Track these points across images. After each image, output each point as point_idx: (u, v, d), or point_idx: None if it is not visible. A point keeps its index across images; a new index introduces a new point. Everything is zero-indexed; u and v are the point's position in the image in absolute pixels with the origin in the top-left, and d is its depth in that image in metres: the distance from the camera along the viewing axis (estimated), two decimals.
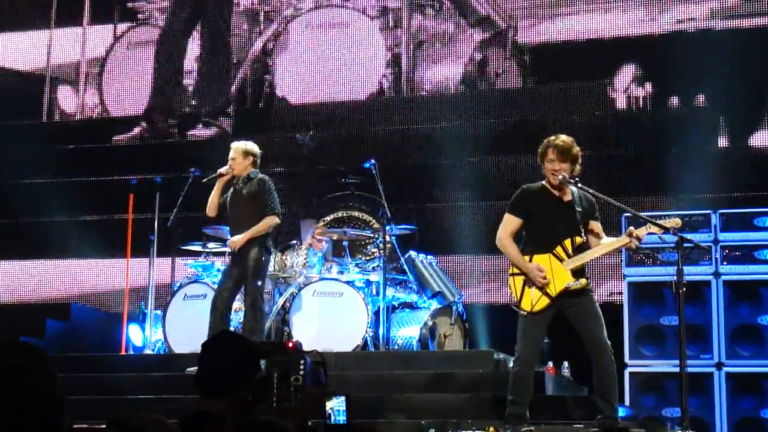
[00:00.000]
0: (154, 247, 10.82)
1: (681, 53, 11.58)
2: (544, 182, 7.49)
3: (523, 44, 12.40)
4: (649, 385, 9.82)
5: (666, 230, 7.34)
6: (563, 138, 7.41)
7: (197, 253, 10.86)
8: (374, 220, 11.52)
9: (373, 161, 10.34)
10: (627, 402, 9.69)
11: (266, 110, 13.27)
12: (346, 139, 12.78)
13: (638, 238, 7.36)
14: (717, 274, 9.77)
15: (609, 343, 7.54)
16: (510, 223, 7.44)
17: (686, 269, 8.03)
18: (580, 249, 7.39)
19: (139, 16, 13.84)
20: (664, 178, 11.49)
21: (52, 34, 14.08)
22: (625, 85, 11.96)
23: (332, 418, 3.69)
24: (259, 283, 9.30)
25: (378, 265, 10.26)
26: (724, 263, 9.78)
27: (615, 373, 7.67)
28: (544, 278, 7.28)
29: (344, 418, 3.75)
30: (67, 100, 13.97)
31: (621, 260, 10.18)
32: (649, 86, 11.90)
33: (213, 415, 3.73)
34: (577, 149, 7.39)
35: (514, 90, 12.46)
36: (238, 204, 9.35)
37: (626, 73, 11.99)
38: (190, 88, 13.53)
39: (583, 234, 7.37)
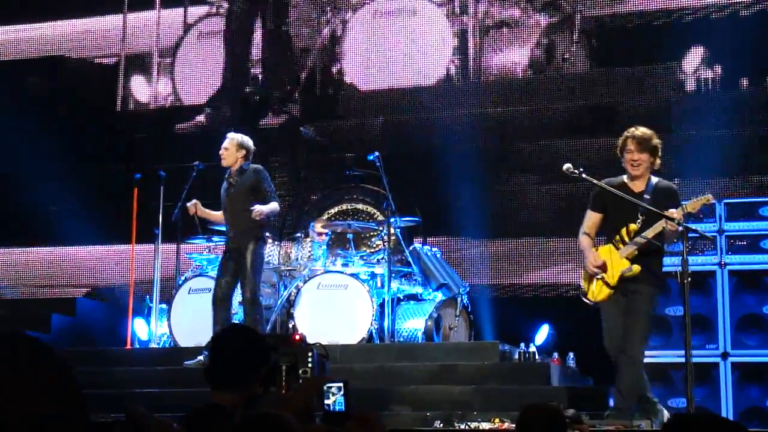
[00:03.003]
0: (159, 241, 10.82)
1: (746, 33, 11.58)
2: (624, 176, 7.62)
3: (590, 28, 12.42)
4: (655, 376, 9.81)
5: (703, 205, 7.34)
6: (642, 129, 7.53)
7: (202, 247, 10.88)
8: (378, 213, 11.53)
9: (377, 153, 10.33)
10: None
11: (334, 97, 13.32)
12: (413, 124, 12.85)
13: (676, 220, 7.30)
14: (722, 264, 9.75)
15: (635, 345, 7.55)
16: (588, 217, 7.70)
17: (691, 259, 8.04)
18: (637, 235, 7.46)
19: (207, 5, 13.96)
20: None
21: (125, 20, 14.20)
22: (694, 67, 11.95)
23: (331, 406, 3.69)
24: (257, 276, 9.31)
25: (383, 258, 10.26)
26: (729, 253, 9.76)
27: (631, 373, 7.65)
28: (595, 268, 7.41)
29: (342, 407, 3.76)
30: (140, 88, 14.10)
31: None
32: (718, 68, 11.87)
33: (223, 408, 3.74)
34: (656, 141, 7.52)
35: (581, 74, 12.48)
36: (236, 196, 9.36)
37: (695, 55, 11.97)
38: (259, 76, 13.60)
39: (641, 221, 7.39)
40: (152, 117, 14.04)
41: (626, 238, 7.46)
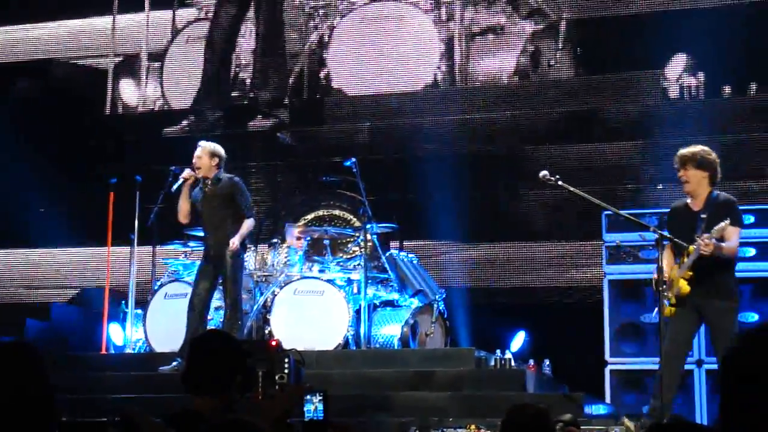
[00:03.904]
0: (134, 247, 10.78)
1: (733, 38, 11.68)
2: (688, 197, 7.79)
3: (575, 35, 12.49)
4: (630, 383, 9.86)
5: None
6: (690, 148, 7.72)
7: (178, 252, 10.85)
8: (355, 219, 11.53)
9: (354, 159, 10.34)
10: (608, 399, 9.73)
11: (322, 101, 13.37)
12: (401, 129, 12.91)
13: (704, 245, 7.40)
14: None
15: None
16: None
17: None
18: (690, 257, 7.57)
19: (196, 8, 14.00)
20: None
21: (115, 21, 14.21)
22: (677, 74, 12.02)
23: (310, 415, 3.70)
24: (239, 282, 9.31)
25: (359, 264, 10.26)
26: None
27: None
28: (658, 286, 7.49)
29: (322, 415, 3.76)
30: (129, 92, 14.13)
31: (601, 258, 10.20)
32: (701, 75, 11.95)
33: (200, 413, 3.73)
34: (705, 156, 7.64)
35: (566, 81, 12.56)
36: (212, 207, 9.33)
37: (678, 62, 12.04)
38: (247, 81, 13.61)
39: (695, 242, 7.47)
40: (141, 120, 14.04)
41: (684, 259, 7.58)
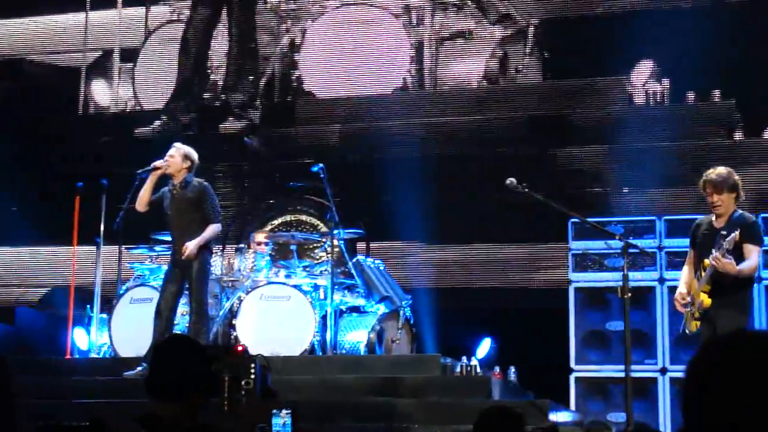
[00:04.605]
0: (100, 250, 10.71)
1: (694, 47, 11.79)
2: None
3: (543, 41, 12.56)
4: (595, 390, 9.91)
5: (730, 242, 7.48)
6: (718, 170, 7.74)
7: (143, 257, 10.80)
8: (322, 224, 11.53)
9: (321, 165, 10.34)
10: (573, 406, 9.77)
11: (293, 104, 13.43)
12: (371, 132, 12.98)
13: (716, 258, 7.47)
14: (662, 280, 9.88)
15: None
16: (689, 253, 7.98)
17: (631, 275, 8.14)
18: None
19: (168, 8, 14.02)
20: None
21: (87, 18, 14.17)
22: (643, 80, 12.10)
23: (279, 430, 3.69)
24: (205, 286, 9.27)
25: (326, 269, 10.25)
26: (669, 269, 9.88)
27: None
28: (681, 302, 7.69)
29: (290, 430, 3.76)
30: (101, 92, 14.14)
31: (567, 265, 10.26)
32: (666, 81, 12.04)
33: (164, 418, 3.71)
34: (734, 178, 7.71)
35: (534, 86, 12.63)
36: (180, 211, 9.27)
37: (644, 68, 12.12)
38: (219, 82, 13.61)
39: (717, 253, 7.52)
40: (112, 121, 14.01)
41: (702, 273, 7.65)
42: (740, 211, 7.77)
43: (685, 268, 7.90)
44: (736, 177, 7.76)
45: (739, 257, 7.53)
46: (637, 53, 12.11)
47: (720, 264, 7.38)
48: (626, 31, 12.07)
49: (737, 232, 7.41)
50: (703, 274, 7.60)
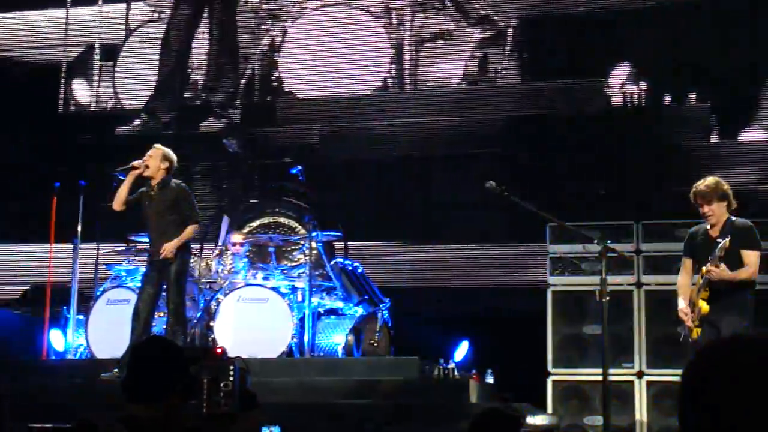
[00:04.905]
0: (77, 251, 10.67)
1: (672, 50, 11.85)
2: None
3: (522, 43, 12.60)
4: (572, 393, 9.92)
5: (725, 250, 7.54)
6: (706, 182, 7.83)
7: (120, 258, 10.75)
8: (301, 226, 11.52)
9: (300, 167, 10.32)
10: (549, 410, 9.79)
11: (273, 104, 13.42)
12: (351, 132, 12.97)
13: (710, 271, 7.59)
14: (639, 284, 9.90)
15: None
16: (682, 263, 8.10)
17: (609, 279, 8.16)
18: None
19: (149, 6, 14.01)
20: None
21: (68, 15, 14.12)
22: (620, 83, 12.14)
23: None
24: (182, 288, 9.24)
25: (304, 272, 10.24)
26: (646, 273, 9.92)
27: None
28: (686, 316, 7.77)
29: None
30: (81, 90, 14.10)
31: (545, 269, 10.27)
32: (643, 84, 12.08)
33: (142, 420, 3.70)
34: (723, 188, 7.80)
35: (513, 87, 12.67)
36: (158, 212, 9.24)
37: (621, 71, 12.16)
38: (200, 82, 13.62)
39: (709, 265, 7.63)
40: (93, 119, 13.97)
41: (700, 280, 7.74)
42: (734, 218, 7.85)
43: (681, 278, 8.00)
44: (725, 186, 7.85)
45: (738, 264, 7.64)
46: (615, 55, 12.16)
47: (714, 274, 7.50)
48: (604, 33, 12.13)
49: (727, 240, 7.49)
50: (700, 281, 7.69)
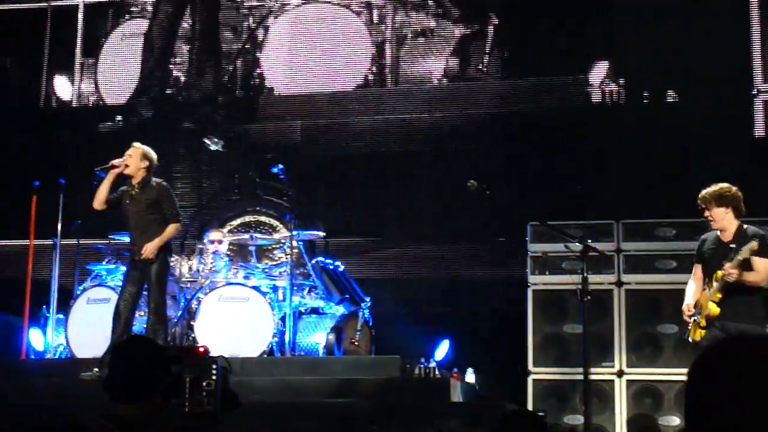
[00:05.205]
0: (57, 250, 10.62)
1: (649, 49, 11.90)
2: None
3: (503, 40, 12.63)
4: (552, 392, 9.94)
5: (752, 251, 7.67)
6: (710, 188, 7.97)
7: (101, 257, 10.71)
8: (281, 225, 11.51)
9: (281, 166, 10.31)
10: (530, 408, 9.80)
11: (255, 100, 13.43)
12: (332, 128, 12.98)
13: (729, 273, 7.69)
14: (619, 283, 9.93)
15: None
16: (694, 269, 8.19)
17: (589, 278, 8.18)
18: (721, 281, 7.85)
19: (132, 9, 13.94)
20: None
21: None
22: (599, 80, 12.18)
23: None
24: (163, 287, 9.22)
25: (285, 271, 10.23)
26: (627, 272, 9.95)
27: None
28: (687, 313, 7.92)
29: None
30: (63, 87, 14.07)
31: (525, 268, 10.28)
32: (621, 81, 12.13)
33: (124, 419, 3.69)
34: (725, 194, 7.92)
35: (494, 84, 12.69)
36: (138, 211, 9.22)
37: (601, 68, 12.20)
38: (182, 79, 13.58)
39: (729, 267, 7.73)
40: (74, 116, 13.93)
41: (713, 284, 7.84)
42: (747, 226, 7.99)
43: (691, 282, 8.13)
44: (729, 192, 7.95)
45: (748, 270, 7.75)
46: (595, 53, 12.20)
47: (735, 275, 7.61)
48: (584, 31, 12.16)
49: (755, 242, 7.64)
50: (714, 285, 7.79)
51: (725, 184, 7.99)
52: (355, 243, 12.32)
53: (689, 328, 7.94)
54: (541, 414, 4.89)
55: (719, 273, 7.73)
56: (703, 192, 7.97)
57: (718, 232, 8.01)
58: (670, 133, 11.81)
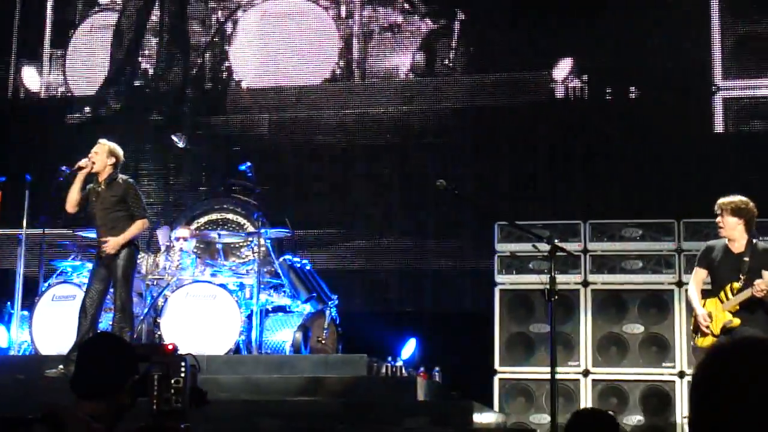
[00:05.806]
0: (23, 247, 10.54)
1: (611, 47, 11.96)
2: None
3: (469, 35, 12.66)
4: (518, 392, 9.98)
5: None
6: (727, 198, 8.16)
7: (66, 253, 10.65)
8: (249, 223, 11.48)
9: (249, 164, 10.28)
10: (496, 407, 9.84)
11: (223, 93, 13.40)
12: (299, 122, 13.04)
13: (761, 290, 7.86)
14: (586, 283, 9.98)
15: None
16: (695, 272, 8.35)
17: (556, 278, 8.20)
18: (739, 292, 7.97)
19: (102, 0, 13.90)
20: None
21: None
22: (563, 76, 12.21)
23: None
24: (130, 284, 9.17)
25: (252, 268, 10.21)
26: (593, 272, 10.00)
27: None
28: (705, 322, 7.98)
29: None
30: (31, 78, 13.99)
31: (492, 267, 10.31)
32: (585, 77, 12.18)
33: (92, 416, 3.68)
34: (739, 206, 8.11)
35: (460, 78, 12.72)
36: (104, 207, 9.17)
37: (564, 65, 12.24)
38: (150, 71, 13.51)
39: (742, 279, 7.98)
40: (41, 108, 13.84)
41: (729, 295, 7.98)
42: (758, 240, 8.19)
43: (694, 287, 8.24)
44: (748, 206, 8.14)
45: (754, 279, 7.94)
46: (559, 49, 12.24)
47: (762, 292, 7.79)
48: (549, 28, 12.20)
49: None
50: (730, 296, 7.95)
51: (745, 198, 8.18)
52: (321, 234, 12.32)
53: (697, 334, 8.07)
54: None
55: (736, 285, 7.93)
56: (723, 199, 8.15)
57: (726, 242, 8.16)
58: (631, 130, 11.87)
